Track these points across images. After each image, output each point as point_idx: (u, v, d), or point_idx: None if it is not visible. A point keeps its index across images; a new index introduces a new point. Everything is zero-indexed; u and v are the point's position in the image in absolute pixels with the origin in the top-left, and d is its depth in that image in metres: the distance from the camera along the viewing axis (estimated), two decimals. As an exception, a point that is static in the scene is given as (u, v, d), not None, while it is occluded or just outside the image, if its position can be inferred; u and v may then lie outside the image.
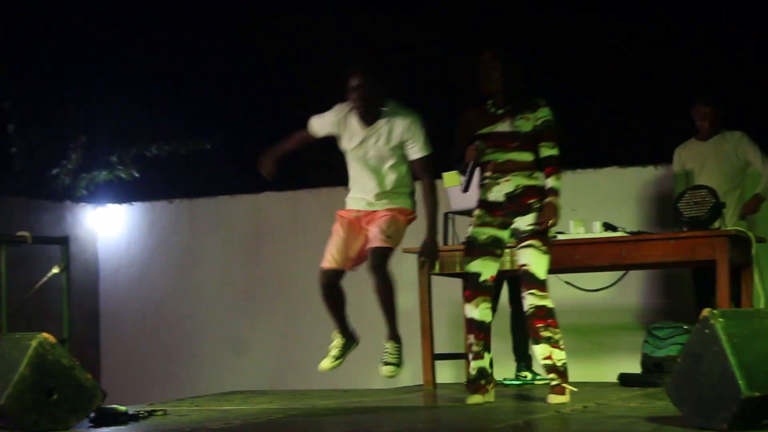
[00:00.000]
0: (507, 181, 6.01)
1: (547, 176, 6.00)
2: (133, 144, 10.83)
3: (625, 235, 7.02)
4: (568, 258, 7.05)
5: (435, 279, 7.59)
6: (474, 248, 6.08)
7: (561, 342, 6.02)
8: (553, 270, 7.35)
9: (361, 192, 6.09)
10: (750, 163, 7.95)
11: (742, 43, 9.88)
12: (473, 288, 6.07)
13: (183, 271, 10.53)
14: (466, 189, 6.08)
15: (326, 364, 6.19)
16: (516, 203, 6.00)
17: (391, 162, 5.99)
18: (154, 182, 10.91)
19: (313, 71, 11.18)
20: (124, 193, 10.86)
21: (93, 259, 10.71)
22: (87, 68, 11.19)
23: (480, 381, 6.09)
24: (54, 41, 11.11)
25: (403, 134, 5.92)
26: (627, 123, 9.97)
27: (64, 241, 6.97)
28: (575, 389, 6.06)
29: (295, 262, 9.89)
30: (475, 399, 6.05)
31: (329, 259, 6.05)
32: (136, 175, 10.74)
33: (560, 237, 7.09)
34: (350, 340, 6.25)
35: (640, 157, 9.11)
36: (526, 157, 6.01)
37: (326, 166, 10.33)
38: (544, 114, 6.04)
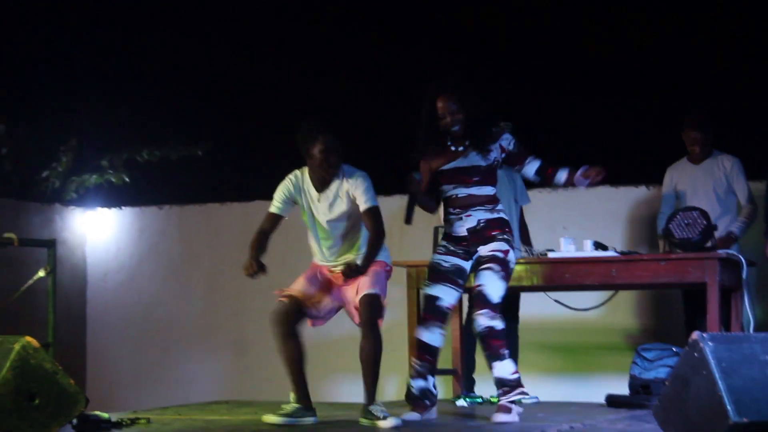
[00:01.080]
0: (468, 216, 6.13)
1: (556, 171, 6.20)
2: (124, 148, 10.77)
3: (616, 254, 6.98)
4: (558, 276, 7.02)
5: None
6: (437, 274, 6.18)
7: (511, 360, 6.12)
8: (542, 288, 7.39)
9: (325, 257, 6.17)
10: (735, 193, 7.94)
11: (738, 61, 9.86)
12: (430, 311, 6.14)
13: (171, 278, 10.47)
14: (407, 221, 6.19)
15: (270, 417, 5.91)
16: (479, 236, 6.13)
17: (349, 224, 6.06)
18: (145, 187, 10.85)
19: (306, 80, 11.14)
20: (114, 197, 10.79)
21: (81, 264, 10.65)
22: (78, 71, 11.13)
23: (423, 401, 6.18)
24: (46, 43, 11.07)
25: (353, 190, 6.01)
26: (619, 142, 9.92)
27: (51, 244, 6.91)
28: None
29: (284, 271, 9.72)
30: (414, 416, 6.11)
31: (288, 291, 6.09)
32: (127, 179, 10.66)
33: (550, 255, 7.06)
34: (306, 409, 5.99)
35: (631, 177, 9.08)
36: (487, 191, 6.15)
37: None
38: (508, 139, 6.17)
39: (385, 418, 5.75)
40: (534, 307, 8.41)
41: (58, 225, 10.39)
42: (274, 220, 6.14)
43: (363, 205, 6.00)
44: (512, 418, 6.00)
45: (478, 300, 6.01)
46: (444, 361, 7.92)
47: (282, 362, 6.00)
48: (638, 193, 9.00)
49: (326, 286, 6.16)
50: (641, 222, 8.91)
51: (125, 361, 10.45)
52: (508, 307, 7.91)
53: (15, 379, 5.29)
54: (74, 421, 5.61)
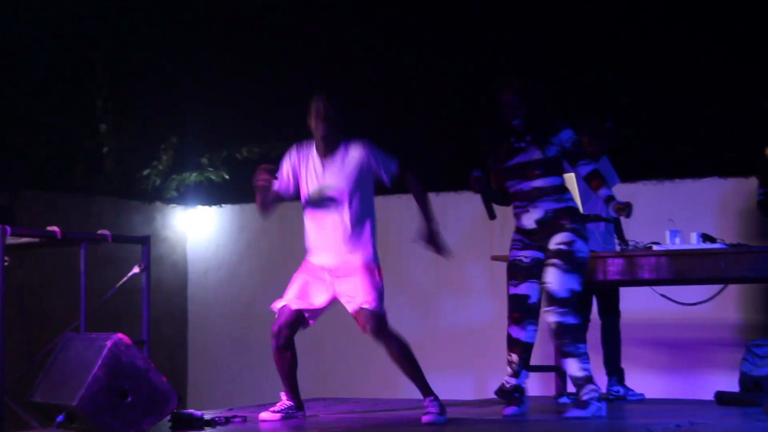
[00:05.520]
0: (535, 207, 6.13)
1: (597, 188, 6.18)
2: (223, 146, 10.76)
3: (725, 247, 6.71)
4: (665, 269, 6.77)
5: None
6: (520, 271, 6.20)
7: (583, 356, 6.04)
8: (646, 282, 7.13)
9: (321, 244, 6.03)
10: None
11: None
12: (521, 310, 6.17)
13: (271, 275, 10.42)
14: (490, 217, 6.33)
15: (265, 414, 6.07)
16: (548, 226, 6.12)
17: (350, 198, 5.90)
18: (244, 185, 10.78)
19: (404, 74, 11.04)
20: (214, 194, 10.80)
21: (182, 261, 10.67)
22: (179, 69, 11.16)
23: (515, 394, 6.21)
24: (146, 42, 11.12)
25: (364, 159, 5.88)
26: (728, 132, 9.63)
27: (145, 241, 6.87)
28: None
29: (381, 265, 9.71)
30: (513, 410, 6.17)
31: (283, 299, 6.06)
32: (227, 177, 10.66)
33: (656, 248, 6.82)
34: (296, 408, 6.11)
35: (741, 168, 8.79)
36: (553, 181, 6.16)
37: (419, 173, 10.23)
38: (568, 135, 6.17)
39: (428, 413, 5.78)
40: (640, 302, 8.20)
41: (159, 223, 10.42)
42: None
43: (388, 169, 5.93)
44: (587, 413, 5.93)
45: (546, 297, 6.06)
46: (546, 358, 7.76)
47: (278, 370, 6.12)
48: (749, 184, 8.68)
49: (322, 285, 6.03)
50: (752, 214, 8.59)
51: (226, 358, 10.45)
52: (608, 301, 7.70)
53: (107, 376, 5.25)
54: (168, 418, 5.54)
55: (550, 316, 6.01)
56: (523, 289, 6.15)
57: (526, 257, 6.16)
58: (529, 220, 6.14)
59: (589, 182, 6.21)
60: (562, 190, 6.16)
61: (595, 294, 7.73)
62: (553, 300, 6.01)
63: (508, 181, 6.18)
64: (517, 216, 6.21)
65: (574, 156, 6.18)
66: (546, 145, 6.11)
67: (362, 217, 5.90)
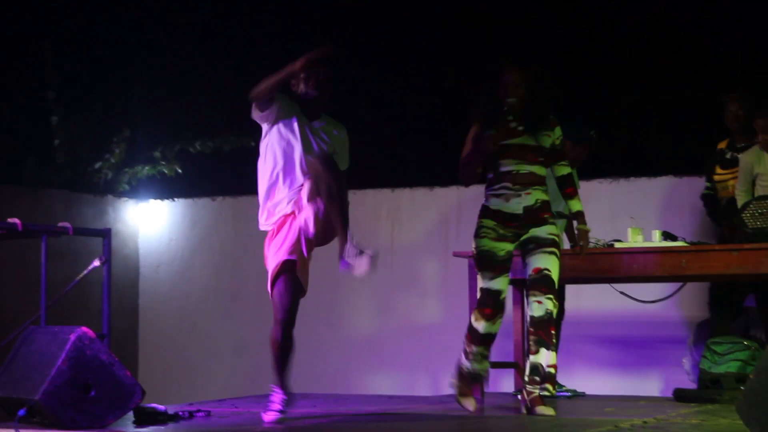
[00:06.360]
0: (528, 194, 6.05)
1: (570, 197, 6.23)
2: (176, 139, 10.66)
3: (686, 244, 6.76)
4: (626, 267, 6.81)
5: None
6: (496, 264, 6.05)
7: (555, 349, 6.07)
8: (607, 279, 7.18)
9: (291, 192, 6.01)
10: None
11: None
12: (493, 306, 6.05)
13: (224, 270, 10.36)
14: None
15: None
16: (532, 216, 6.03)
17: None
18: (197, 179, 10.74)
19: (359, 74, 11.01)
20: (167, 188, 10.70)
21: (133, 255, 10.57)
22: (131, 61, 11.05)
23: (477, 385, 6.34)
24: (99, 33, 11.00)
25: (338, 141, 5.90)
26: (683, 131, 9.71)
27: (105, 234, 6.80)
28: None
29: (336, 263, 9.66)
30: (473, 403, 6.18)
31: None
32: (179, 170, 10.56)
33: (617, 245, 6.86)
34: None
35: (695, 167, 8.86)
36: (543, 171, 6.14)
37: (369, 168, 10.20)
38: (559, 133, 6.18)
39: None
40: (595, 299, 8.23)
41: (110, 216, 10.31)
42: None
43: (342, 165, 5.95)
44: (552, 412, 5.90)
45: (544, 284, 5.90)
46: (505, 354, 7.77)
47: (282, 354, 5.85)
48: (702, 183, 8.76)
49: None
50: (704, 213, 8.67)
51: (177, 353, 10.35)
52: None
53: (71, 370, 5.17)
54: (131, 413, 5.47)
55: (546, 303, 5.85)
56: (497, 284, 6.00)
57: (501, 250, 6.00)
58: (518, 205, 6.00)
59: (563, 186, 6.22)
60: (545, 181, 6.15)
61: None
62: (552, 287, 5.89)
63: (506, 159, 6.04)
64: (505, 198, 6.02)
65: (557, 155, 6.17)
66: (543, 135, 6.09)
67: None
